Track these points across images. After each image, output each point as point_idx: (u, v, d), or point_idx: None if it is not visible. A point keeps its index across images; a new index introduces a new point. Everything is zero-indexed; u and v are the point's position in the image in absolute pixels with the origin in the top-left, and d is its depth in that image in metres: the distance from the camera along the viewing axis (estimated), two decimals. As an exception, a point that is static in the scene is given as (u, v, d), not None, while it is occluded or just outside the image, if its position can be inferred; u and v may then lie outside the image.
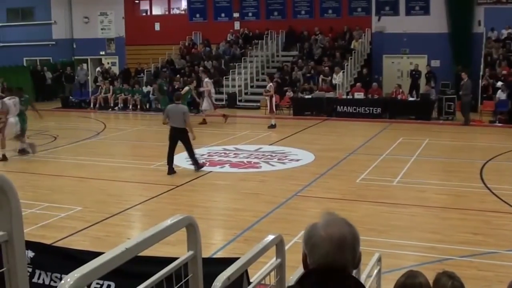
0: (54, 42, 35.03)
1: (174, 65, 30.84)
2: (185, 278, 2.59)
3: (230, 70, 29.05)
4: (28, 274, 3.76)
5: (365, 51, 29.23)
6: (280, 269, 3.30)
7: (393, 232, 9.84)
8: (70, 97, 30.16)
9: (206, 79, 23.68)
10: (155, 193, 12.68)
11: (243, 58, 30.05)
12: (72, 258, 5.72)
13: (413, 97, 24.89)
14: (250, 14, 32.27)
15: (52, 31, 35.33)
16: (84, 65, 33.76)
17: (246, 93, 28.75)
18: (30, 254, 5.31)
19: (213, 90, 23.78)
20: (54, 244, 8.06)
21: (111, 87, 29.14)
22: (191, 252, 2.63)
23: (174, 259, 2.65)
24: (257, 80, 29.50)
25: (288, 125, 22.78)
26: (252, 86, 29.18)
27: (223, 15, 32.69)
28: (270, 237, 3.26)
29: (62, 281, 1.83)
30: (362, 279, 5.11)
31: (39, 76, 32.21)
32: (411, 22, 28.41)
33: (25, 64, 34.79)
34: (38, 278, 5.65)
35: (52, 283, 5.63)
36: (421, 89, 25.95)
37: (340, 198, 12.15)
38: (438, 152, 17.17)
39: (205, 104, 23.30)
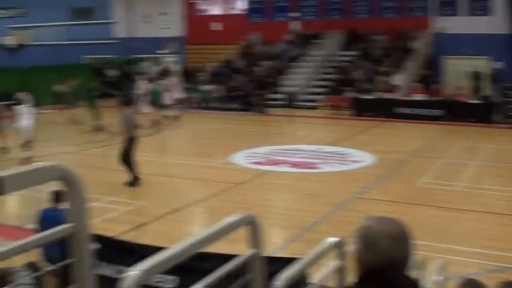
0: (115, 41, 35.70)
1: (233, 65, 31.00)
2: (246, 276, 2.60)
3: (288, 70, 29.01)
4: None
5: (426, 51, 28.71)
6: (340, 271, 3.29)
7: (453, 238, 9.64)
8: (130, 94, 30.64)
9: (140, 81, 23.62)
10: (214, 190, 12.79)
11: (301, 57, 29.96)
12: (134, 252, 5.85)
13: (474, 99, 24.31)
14: (309, 13, 32.14)
15: (113, 30, 36.00)
16: (144, 64, 34.28)
17: (304, 93, 28.67)
18: (94, 246, 5.44)
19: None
20: (116, 238, 8.21)
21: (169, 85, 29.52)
22: (252, 250, 2.64)
23: (235, 256, 2.66)
24: (315, 80, 29.38)
25: (347, 126, 22.63)
26: (310, 86, 29.07)
27: (281, 14, 32.67)
28: (331, 239, 3.25)
29: (126, 274, 1.86)
30: (424, 285, 5.02)
31: (100, 74, 32.89)
32: (473, 23, 27.72)
33: (86, 62, 35.52)
34: (101, 270, 5.79)
35: (114, 275, 5.76)
36: (483, 91, 25.33)
37: (399, 201, 11.96)
38: (500, 156, 16.73)
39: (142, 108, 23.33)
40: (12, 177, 1.69)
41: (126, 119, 13.65)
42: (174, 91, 26.33)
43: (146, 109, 22.91)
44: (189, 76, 30.81)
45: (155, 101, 23.50)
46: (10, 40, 37.06)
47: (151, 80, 25.01)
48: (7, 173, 1.67)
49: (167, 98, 23.87)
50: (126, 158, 13.44)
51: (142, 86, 23.09)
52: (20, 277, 5.15)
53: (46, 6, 36.18)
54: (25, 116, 16.87)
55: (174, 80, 26.87)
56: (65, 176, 1.86)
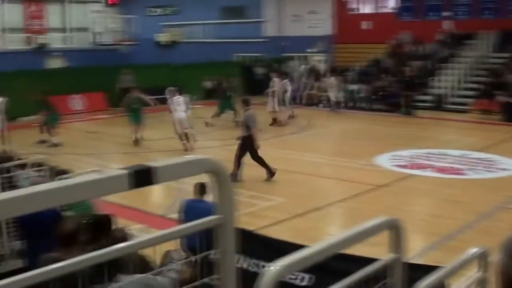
0: (264, 39, 36.33)
1: (381, 64, 30.53)
2: (385, 281, 2.56)
3: (438, 71, 28.13)
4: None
5: None
6: (482, 283, 3.16)
7: None
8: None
9: (274, 78, 23.35)
10: (355, 191, 12.70)
11: (452, 58, 28.92)
12: (272, 247, 5.94)
13: None
14: (461, 12, 30.91)
15: (263, 29, 36.65)
16: (292, 62, 34.64)
17: (453, 96, 27.67)
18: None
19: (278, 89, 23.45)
20: (255, 232, 8.38)
21: (316, 84, 29.67)
22: (393, 255, 2.60)
23: (374, 259, 2.63)
24: (466, 82, 28.24)
25: (497, 132, 21.53)
26: (460, 89, 28.00)
27: (433, 13, 31.68)
28: (474, 249, 3.13)
29: (267, 268, 1.90)
30: None
31: (249, 72, 33.68)
32: None
33: (236, 59, 36.45)
34: (238, 262, 5.93)
35: (251, 268, 5.89)
36: None
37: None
38: None
39: (268, 105, 23.04)
40: (164, 168, 1.77)
41: (246, 118, 13.93)
42: (331, 90, 26.30)
43: (277, 107, 23.17)
44: (336, 75, 30.69)
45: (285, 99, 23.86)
46: (163, 37, 38.85)
47: (283, 77, 25.14)
48: (160, 164, 1.76)
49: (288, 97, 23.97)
50: (254, 155, 13.78)
51: (276, 85, 23.32)
52: (163, 264, 5.38)
53: (198, 5, 37.55)
54: (180, 108, 17.94)
55: (331, 80, 26.76)
56: (214, 169, 1.92)
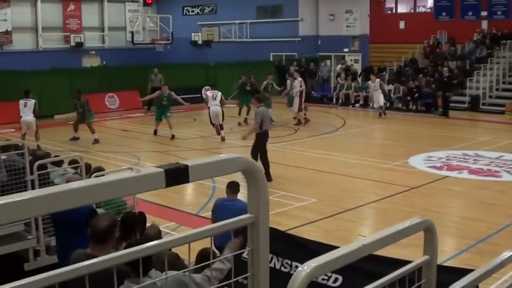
0: (299, 39, 36.21)
1: (417, 64, 30.24)
2: (418, 283, 2.54)
3: (475, 72, 27.74)
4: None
5: None
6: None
7: None
8: (313, 92, 31.02)
9: (299, 79, 23.22)
10: (389, 192, 12.60)
11: (489, 59, 28.48)
12: (303, 247, 5.93)
13: None
14: (499, 12, 30.37)
15: (299, 28, 36.54)
16: (328, 61, 34.48)
17: (490, 96, 27.27)
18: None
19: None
20: (287, 232, 8.38)
21: (352, 84, 29.51)
22: (426, 257, 2.57)
23: (404, 261, 2.61)
24: (503, 83, 27.81)
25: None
26: (497, 89, 27.58)
27: (470, 13, 31.20)
28: (509, 252, 3.08)
29: (299, 269, 1.89)
30: None
31: (283, 71, 33.62)
32: None
33: (271, 59, 36.41)
34: (270, 262, 5.94)
35: (283, 268, 5.89)
36: None
37: None
38: None
39: (295, 106, 22.79)
40: (199, 166, 1.79)
41: (255, 115, 13.96)
42: (377, 94, 25.76)
43: (298, 107, 23.00)
44: (377, 77, 30.36)
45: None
46: (199, 37, 38.96)
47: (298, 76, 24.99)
48: (195, 162, 1.77)
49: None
50: (256, 153, 13.63)
51: (297, 84, 23.18)
52: (198, 262, 5.40)
53: (234, 4, 37.59)
54: (215, 102, 18.53)
55: (377, 83, 26.34)
56: (248, 168, 1.92)
